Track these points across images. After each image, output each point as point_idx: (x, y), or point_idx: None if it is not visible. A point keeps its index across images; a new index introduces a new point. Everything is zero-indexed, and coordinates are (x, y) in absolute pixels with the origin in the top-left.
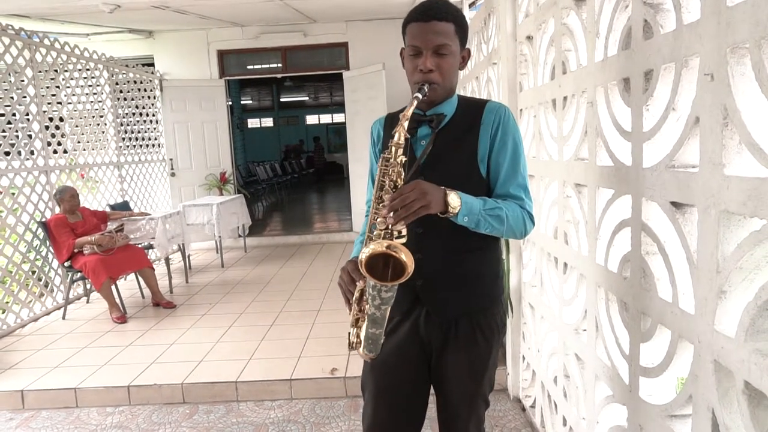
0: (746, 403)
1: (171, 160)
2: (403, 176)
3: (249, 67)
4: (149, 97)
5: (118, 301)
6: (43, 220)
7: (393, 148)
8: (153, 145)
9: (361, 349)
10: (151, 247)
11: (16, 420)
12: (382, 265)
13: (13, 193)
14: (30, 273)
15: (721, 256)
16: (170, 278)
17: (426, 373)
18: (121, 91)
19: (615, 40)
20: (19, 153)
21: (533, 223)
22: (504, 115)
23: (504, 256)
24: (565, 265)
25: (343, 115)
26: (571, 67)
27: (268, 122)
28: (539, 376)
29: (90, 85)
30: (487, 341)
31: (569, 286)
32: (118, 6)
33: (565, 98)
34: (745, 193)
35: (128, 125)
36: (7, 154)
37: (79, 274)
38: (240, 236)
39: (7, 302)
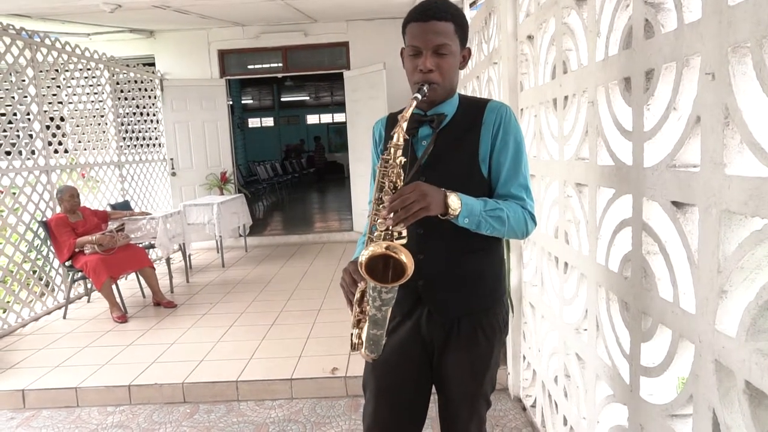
0: (747, 403)
1: (172, 159)
2: (402, 177)
3: (250, 66)
4: (150, 97)
5: (118, 300)
6: (44, 219)
7: (392, 150)
8: (154, 145)
9: (363, 350)
10: (151, 246)
11: (17, 419)
12: (382, 267)
13: (14, 193)
14: (31, 272)
15: (722, 256)
16: (171, 278)
17: (428, 373)
18: (121, 91)
19: (616, 39)
20: (20, 153)
21: (535, 223)
22: (505, 114)
23: (504, 255)
24: (566, 264)
25: (343, 114)
26: (572, 66)
27: (268, 122)
28: (540, 376)
29: (91, 85)
30: (488, 341)
31: (570, 285)
32: (118, 6)
33: (566, 98)
34: (746, 192)
35: (129, 125)
36: (8, 153)
37: (79, 274)
38: (241, 236)
39: (8, 302)
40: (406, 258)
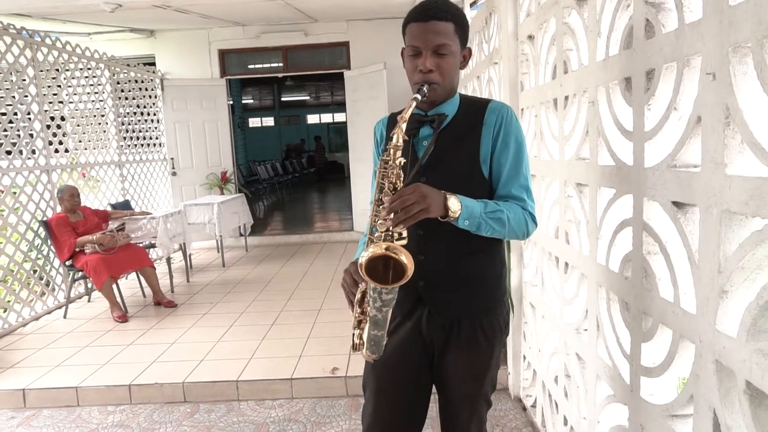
0: (748, 403)
1: (172, 159)
2: (402, 178)
3: (250, 66)
4: (150, 97)
5: (119, 300)
6: (45, 219)
7: (391, 151)
8: (154, 145)
9: (364, 351)
10: (152, 246)
11: (17, 419)
12: (382, 267)
13: (15, 192)
14: (31, 272)
15: (723, 256)
16: (171, 277)
17: (428, 373)
18: (122, 91)
19: (616, 39)
20: (21, 152)
21: (535, 224)
22: (506, 115)
23: (505, 255)
24: (566, 264)
25: (344, 114)
26: (572, 66)
27: (269, 121)
28: (540, 376)
29: (91, 85)
30: (489, 342)
31: (570, 285)
32: (119, 5)
33: (566, 98)
34: (747, 192)
35: (129, 124)
36: (9, 153)
37: (80, 273)
38: (241, 235)
39: (9, 301)
40: (406, 259)
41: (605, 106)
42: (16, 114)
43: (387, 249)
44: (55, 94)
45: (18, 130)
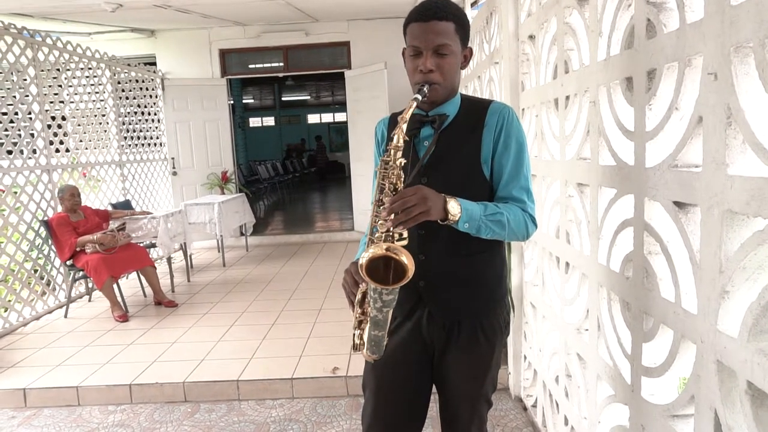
0: (749, 404)
1: (173, 159)
2: (402, 179)
3: (251, 66)
4: (151, 96)
5: (119, 299)
6: (45, 218)
7: (392, 151)
8: (155, 144)
9: (364, 351)
10: (152, 246)
11: (18, 418)
12: (383, 268)
13: (16, 192)
14: (32, 272)
15: (724, 256)
16: (172, 277)
17: (428, 373)
18: (123, 90)
19: (618, 39)
20: (22, 152)
21: (535, 225)
22: (508, 116)
23: (506, 256)
24: (567, 264)
25: (344, 114)
26: (573, 66)
27: (269, 121)
28: (541, 376)
29: (92, 84)
30: (489, 342)
31: (571, 285)
32: (120, 5)
33: (567, 97)
34: (748, 192)
35: (130, 124)
36: (10, 152)
37: (81, 273)
38: (242, 235)
39: (10, 300)
40: (406, 259)
41: (606, 105)
42: (17, 114)
43: (388, 250)
44: (56, 94)
45: (19, 130)
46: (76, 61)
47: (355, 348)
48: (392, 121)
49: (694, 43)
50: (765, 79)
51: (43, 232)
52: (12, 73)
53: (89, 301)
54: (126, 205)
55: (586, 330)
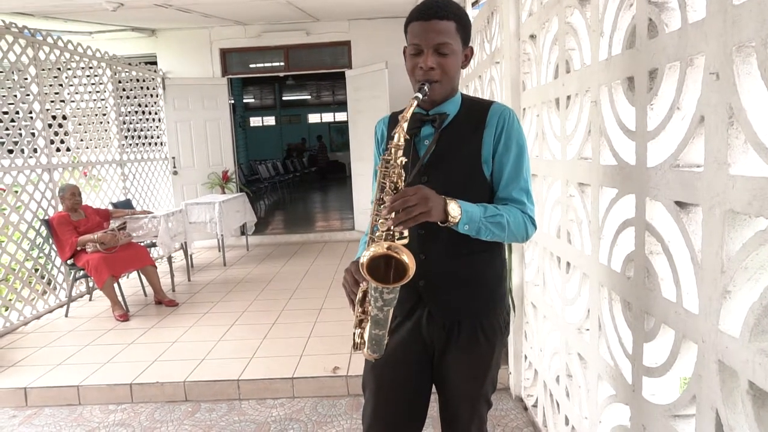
0: (751, 404)
1: (173, 158)
2: (403, 178)
3: (251, 65)
4: (152, 96)
5: (120, 299)
6: (46, 218)
7: (393, 150)
8: (155, 144)
9: (365, 350)
10: (153, 245)
11: (19, 417)
12: (384, 267)
13: (17, 191)
14: (33, 271)
15: (726, 256)
16: (172, 276)
17: (428, 372)
18: (123, 90)
19: (619, 38)
20: (23, 151)
21: (535, 227)
22: (509, 117)
23: (507, 255)
24: (568, 264)
25: (345, 113)
26: (574, 66)
27: (270, 121)
28: (541, 376)
29: (93, 83)
30: (489, 342)
31: (572, 285)
32: (121, 4)
33: (568, 97)
34: (750, 192)
35: (131, 123)
36: (11, 152)
37: (81, 272)
38: (243, 234)
39: (11, 300)
40: (407, 258)
41: (608, 105)
42: (18, 113)
43: (389, 248)
44: (56, 93)
45: (20, 129)
46: (77, 61)
47: (356, 347)
48: (392, 121)
49: (696, 43)
50: (767, 78)
51: (44, 231)
52: (13, 72)
53: (90, 300)
54: (127, 205)
55: (587, 330)
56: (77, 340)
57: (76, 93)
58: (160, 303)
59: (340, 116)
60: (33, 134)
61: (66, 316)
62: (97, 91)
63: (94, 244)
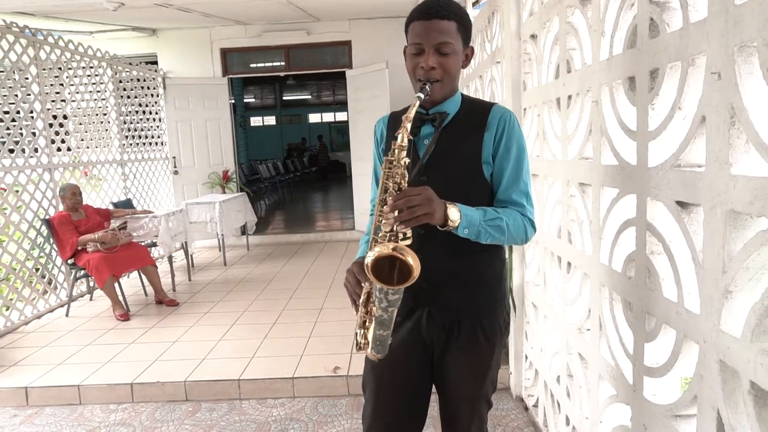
0: (752, 404)
1: (174, 158)
2: (407, 178)
3: (252, 65)
4: (152, 95)
5: (121, 298)
6: (47, 217)
7: (396, 151)
8: (156, 143)
9: (369, 350)
10: (153, 244)
11: (20, 417)
12: (388, 268)
13: (18, 191)
14: (34, 270)
15: (727, 256)
16: (173, 276)
17: (428, 372)
18: (124, 89)
19: (620, 38)
20: (23, 150)
21: (534, 229)
22: (509, 120)
23: (507, 256)
24: (569, 264)
25: (345, 113)
26: (575, 65)
27: (270, 120)
28: (542, 376)
29: (93, 83)
30: (489, 342)
31: (573, 285)
32: (121, 4)
33: (569, 97)
34: (752, 192)
35: (131, 123)
36: (12, 151)
37: (82, 272)
38: (243, 234)
39: (11, 299)
40: (412, 260)
41: (608, 105)
42: (18, 112)
43: (394, 249)
44: (57, 93)
45: (20, 129)
46: (78, 60)
47: (360, 347)
48: (392, 120)
49: (698, 43)
50: None
51: (44, 230)
52: (14, 72)
53: (90, 299)
54: (127, 204)
55: (588, 330)
56: (78, 339)
57: (77, 93)
58: (161, 303)
59: (341, 116)
60: (34, 134)
61: (67, 315)
62: (98, 91)
63: (95, 243)
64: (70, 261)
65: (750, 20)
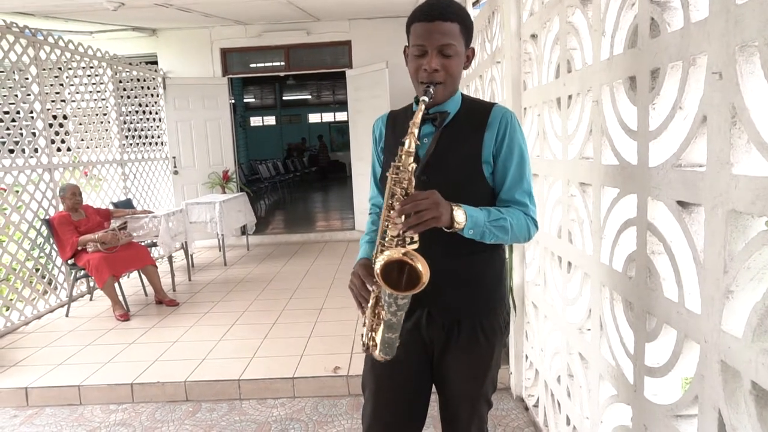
0: (753, 404)
1: (174, 158)
2: (414, 184)
3: (252, 65)
4: (152, 95)
5: (121, 298)
6: (47, 217)
7: (403, 156)
8: (156, 143)
9: (377, 352)
10: (154, 244)
11: (20, 417)
12: (396, 272)
13: (18, 191)
14: (34, 271)
15: (728, 256)
16: (173, 276)
17: (428, 372)
18: (124, 89)
19: (621, 38)
20: (23, 150)
21: (537, 227)
22: (511, 120)
23: (507, 255)
24: (569, 264)
25: (345, 113)
26: (576, 65)
27: (270, 120)
28: (542, 376)
29: (93, 83)
30: (489, 342)
31: (573, 285)
32: (122, 4)
33: (570, 97)
34: (753, 192)
35: (131, 123)
36: (12, 151)
37: (82, 272)
38: (243, 234)
39: (11, 300)
40: (422, 266)
41: (609, 105)
42: (18, 112)
43: (405, 254)
44: (57, 93)
45: (20, 129)
46: (78, 60)
47: (367, 349)
48: (390, 119)
49: (699, 42)
50: None
51: (44, 231)
52: (14, 72)
53: (90, 300)
54: (127, 204)
55: (589, 330)
56: (78, 339)
57: (77, 93)
58: (161, 303)
59: (341, 116)
60: (34, 134)
61: (67, 315)
62: (98, 91)
63: (95, 243)
64: (70, 261)
65: (751, 20)
